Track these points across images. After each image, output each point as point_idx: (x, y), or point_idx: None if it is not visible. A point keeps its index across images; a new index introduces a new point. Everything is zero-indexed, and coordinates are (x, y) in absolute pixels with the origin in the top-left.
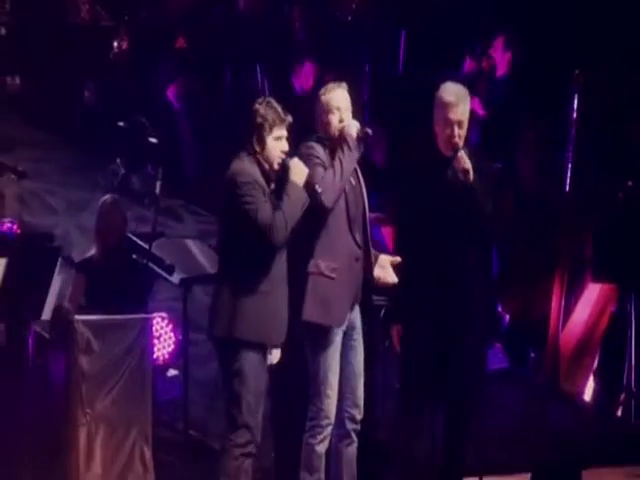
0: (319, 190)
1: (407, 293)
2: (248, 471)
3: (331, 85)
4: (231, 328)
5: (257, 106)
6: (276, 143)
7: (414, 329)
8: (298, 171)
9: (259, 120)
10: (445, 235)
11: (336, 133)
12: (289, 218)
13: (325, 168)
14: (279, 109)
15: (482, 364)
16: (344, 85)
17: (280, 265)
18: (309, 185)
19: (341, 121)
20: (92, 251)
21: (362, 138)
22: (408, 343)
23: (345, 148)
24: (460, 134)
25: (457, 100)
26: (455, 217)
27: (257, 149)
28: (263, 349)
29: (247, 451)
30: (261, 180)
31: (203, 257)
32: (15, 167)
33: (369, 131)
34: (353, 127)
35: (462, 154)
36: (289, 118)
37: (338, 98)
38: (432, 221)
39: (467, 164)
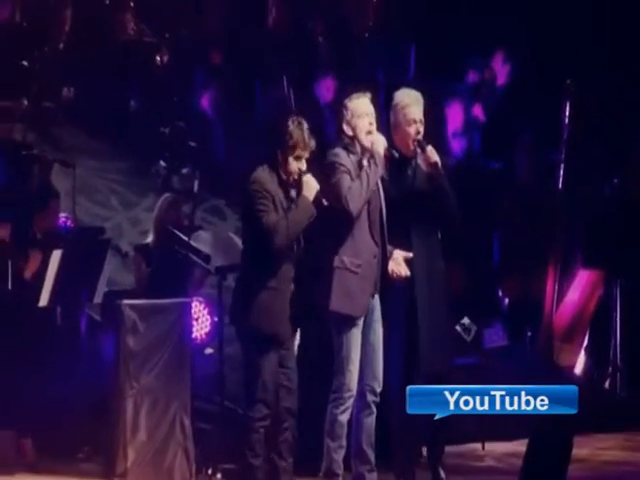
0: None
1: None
2: (288, 441)
3: (357, 94)
4: (246, 318)
5: (289, 123)
6: (295, 162)
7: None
8: (310, 187)
9: (286, 137)
10: (407, 229)
11: (364, 139)
12: (292, 226)
13: (351, 176)
14: (306, 133)
15: (448, 343)
16: (369, 94)
17: (288, 266)
18: (335, 193)
19: (371, 123)
20: (149, 239)
21: (387, 157)
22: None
23: (372, 163)
24: (421, 131)
25: (415, 100)
26: (418, 212)
27: (279, 160)
28: (279, 335)
29: (266, 424)
30: (275, 189)
31: None
32: (64, 159)
33: (395, 154)
34: (381, 145)
35: (431, 148)
36: (312, 143)
37: (364, 105)
38: (395, 218)
39: (436, 157)
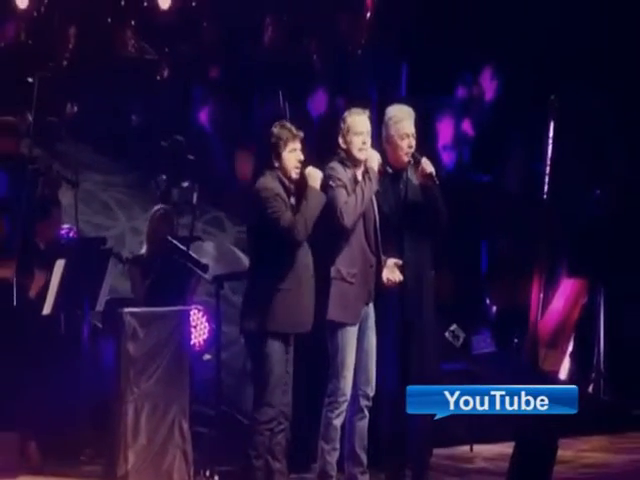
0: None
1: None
2: (281, 443)
3: (355, 110)
4: (260, 321)
5: (273, 129)
6: (291, 155)
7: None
8: (314, 177)
9: (274, 140)
10: (399, 237)
11: (357, 154)
12: (308, 218)
13: (347, 190)
14: (292, 128)
15: (437, 346)
16: (367, 112)
17: (305, 266)
18: (331, 206)
19: (364, 143)
20: (142, 250)
21: (381, 172)
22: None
23: (367, 178)
24: (413, 145)
25: (408, 115)
26: (409, 221)
27: (276, 165)
28: (287, 338)
29: (271, 427)
30: (282, 193)
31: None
32: (68, 177)
33: (389, 169)
34: (375, 161)
35: (426, 160)
36: (300, 133)
37: (361, 122)
38: (388, 227)
39: (431, 168)
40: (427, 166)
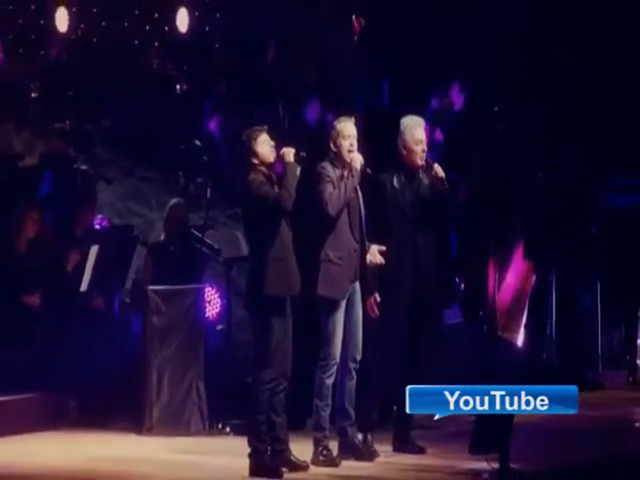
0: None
1: (383, 271)
2: (282, 401)
3: (343, 117)
4: (259, 287)
5: (242, 137)
6: (264, 144)
7: (390, 297)
8: (288, 153)
9: (247, 144)
10: (413, 228)
11: (346, 155)
12: (290, 188)
13: (334, 185)
14: (254, 128)
15: (440, 320)
16: (353, 118)
17: (289, 239)
18: (319, 198)
19: (351, 145)
20: (161, 237)
21: (362, 171)
22: (386, 307)
23: (350, 176)
24: (425, 149)
25: (419, 124)
26: (420, 215)
27: (255, 161)
28: (284, 303)
29: (272, 386)
30: (265, 181)
31: None
32: (105, 176)
33: (369, 170)
34: (358, 162)
35: (437, 165)
36: (264, 127)
37: (348, 128)
38: (404, 219)
39: (442, 173)
40: (439, 171)
